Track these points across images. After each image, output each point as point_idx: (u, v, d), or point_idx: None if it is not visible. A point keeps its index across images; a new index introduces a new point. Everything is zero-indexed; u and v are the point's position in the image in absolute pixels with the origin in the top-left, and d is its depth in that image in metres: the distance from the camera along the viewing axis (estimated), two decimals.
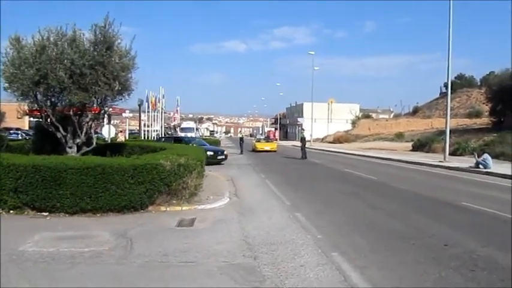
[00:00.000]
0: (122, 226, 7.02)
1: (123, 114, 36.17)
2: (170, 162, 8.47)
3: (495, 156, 19.73)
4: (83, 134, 10.99)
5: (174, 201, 8.75)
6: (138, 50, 11.10)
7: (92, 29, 10.18)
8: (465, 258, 5.53)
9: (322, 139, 66.44)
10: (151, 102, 29.97)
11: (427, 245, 6.25)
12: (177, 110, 37.99)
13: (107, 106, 11.57)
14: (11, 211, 7.79)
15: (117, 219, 7.60)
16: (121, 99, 11.40)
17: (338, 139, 59.82)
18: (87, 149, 11.07)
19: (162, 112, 30.13)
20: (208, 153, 20.82)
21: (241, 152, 32.05)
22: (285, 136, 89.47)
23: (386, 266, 5.22)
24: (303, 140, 28.40)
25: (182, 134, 42.62)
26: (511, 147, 24.43)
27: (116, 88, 10.47)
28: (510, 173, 16.34)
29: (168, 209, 8.52)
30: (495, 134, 30.32)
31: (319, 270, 5.05)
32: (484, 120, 44.10)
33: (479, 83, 67.09)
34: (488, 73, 54.84)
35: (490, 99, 38.89)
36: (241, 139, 35.85)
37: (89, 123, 11.32)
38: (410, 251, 5.88)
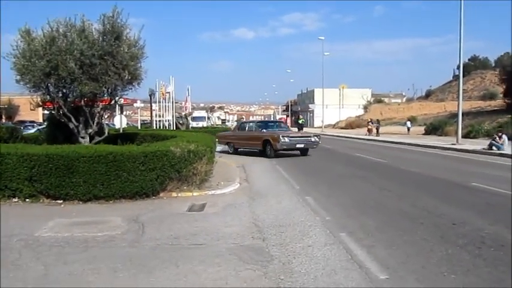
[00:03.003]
0: (134, 212, 7.18)
1: (135, 105, 36.48)
2: (180, 149, 8.60)
3: (509, 138, 19.49)
4: (95, 124, 11.16)
5: (185, 187, 8.89)
6: (147, 40, 11.17)
7: (100, 19, 10.27)
8: (473, 236, 5.56)
9: (334, 125, 66.16)
10: (162, 92, 30.08)
11: (435, 224, 6.28)
12: (187, 99, 37.98)
13: (117, 96, 11.70)
14: (27, 199, 8.01)
15: (130, 206, 7.76)
16: (131, 88, 11.52)
17: (350, 124, 59.51)
18: (100, 138, 11.24)
19: (173, 101, 30.20)
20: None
21: None
22: (296, 123, 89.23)
23: (393, 245, 5.29)
24: (299, 126, 28.99)
25: (194, 123, 42.72)
26: None
27: (126, 77, 10.57)
28: None
29: (179, 194, 8.66)
30: (509, 116, 29.88)
31: (326, 250, 5.14)
32: (499, 102, 43.44)
33: (493, 65, 66.00)
34: (502, 54, 53.90)
35: (504, 81, 38.34)
36: None
37: (101, 113, 11.50)
38: (418, 231, 5.92)
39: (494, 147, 18.38)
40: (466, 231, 5.85)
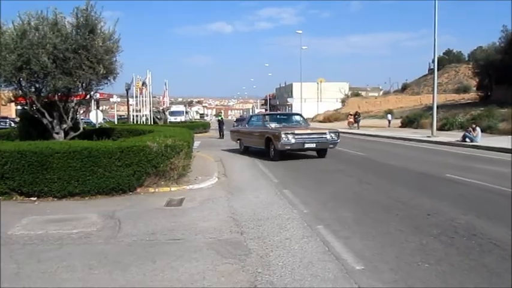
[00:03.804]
0: (110, 208, 7.08)
1: (111, 99, 35.98)
2: (157, 144, 8.51)
3: (482, 130, 20.03)
4: (69, 119, 10.94)
5: (163, 183, 8.81)
6: (122, 34, 11.01)
7: (73, 12, 10.04)
8: (446, 226, 5.68)
9: (313, 118, 66.49)
10: (138, 86, 29.72)
11: (409, 215, 6.41)
12: (165, 94, 37.65)
13: (92, 90, 11.49)
14: None
15: (106, 202, 7.65)
16: (106, 83, 11.32)
17: (328, 118, 60.00)
18: (75, 134, 11.04)
19: (150, 96, 29.88)
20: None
21: (221, 136, 27.50)
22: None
23: (369, 236, 5.37)
24: None
25: (172, 118, 42.39)
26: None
27: (101, 72, 10.37)
28: (495, 146, 16.62)
29: (156, 190, 8.59)
30: (482, 108, 30.61)
31: (304, 242, 5.18)
32: (472, 95, 44.51)
33: (467, 59, 67.33)
34: (475, 48, 55.05)
35: (477, 74, 39.24)
36: (220, 121, 29.93)
37: (75, 108, 11.29)
38: (393, 222, 6.02)
39: (467, 139, 18.81)
40: (440, 221, 5.98)
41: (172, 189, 8.72)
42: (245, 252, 4.86)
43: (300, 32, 55.43)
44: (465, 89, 54.10)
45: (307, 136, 13.85)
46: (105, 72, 10.53)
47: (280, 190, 8.67)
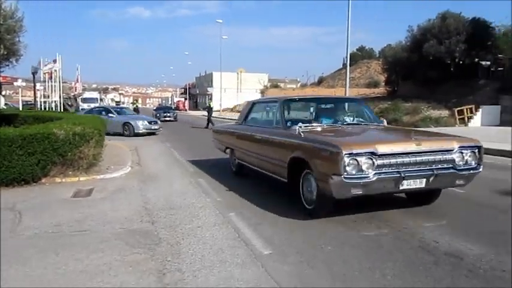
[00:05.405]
0: (10, 200, 6.60)
1: (15, 84, 33.22)
2: (64, 131, 8.06)
3: (389, 122, 21.43)
4: None
5: (71, 172, 8.38)
6: (29, 14, 10.25)
7: None
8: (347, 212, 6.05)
9: (232, 108, 66.94)
10: (47, 71, 27.73)
11: None
12: (78, 79, 35.61)
13: None
14: None
15: (6, 194, 7.10)
16: (8, 65, 10.55)
17: None
18: None
19: (60, 81, 28.02)
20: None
21: None
22: (195, 106, 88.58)
23: (279, 222, 5.56)
24: (209, 109, 28.09)
25: (85, 105, 40.22)
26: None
27: (1, 52, 9.60)
28: None
29: (63, 180, 8.14)
30: (389, 102, 32.81)
31: (215, 230, 5.24)
32: (381, 90, 47.46)
33: (377, 55, 71.62)
34: (385, 46, 58.71)
35: (386, 70, 41.86)
36: (136, 110, 29.36)
37: None
38: (302, 209, 6.28)
39: None
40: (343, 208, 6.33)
41: (82, 179, 8.32)
42: (155, 241, 4.80)
43: (221, 21, 55.13)
44: (375, 84, 57.52)
45: (408, 160, 5.19)
46: (6, 53, 9.78)
47: (195, 179, 8.65)
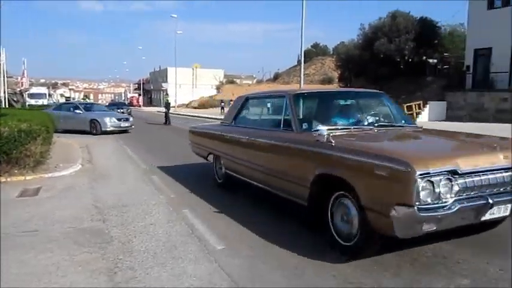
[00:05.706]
0: None
1: None
2: (9, 128, 7.72)
3: None
4: None
5: (16, 171, 8.04)
6: None
7: None
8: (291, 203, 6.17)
9: (187, 104, 66.25)
10: None
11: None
12: (24, 74, 34.03)
13: None
14: None
15: None
16: None
17: (203, 104, 60.26)
18: None
19: (4, 75, 26.71)
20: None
21: None
22: (149, 102, 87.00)
23: (231, 218, 5.59)
24: (167, 105, 27.68)
25: (32, 101, 38.55)
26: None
27: None
28: None
29: (8, 179, 7.80)
30: None
31: (168, 227, 5.21)
32: (335, 86, 48.52)
33: (331, 52, 73.10)
34: (338, 43, 59.99)
35: (339, 67, 42.89)
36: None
37: None
38: (258, 205, 6.36)
39: None
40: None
41: (28, 178, 8.01)
42: (106, 240, 4.72)
43: (175, 16, 54.20)
44: (329, 80, 58.75)
45: (495, 180, 3.64)
46: None
47: (148, 176, 8.54)
